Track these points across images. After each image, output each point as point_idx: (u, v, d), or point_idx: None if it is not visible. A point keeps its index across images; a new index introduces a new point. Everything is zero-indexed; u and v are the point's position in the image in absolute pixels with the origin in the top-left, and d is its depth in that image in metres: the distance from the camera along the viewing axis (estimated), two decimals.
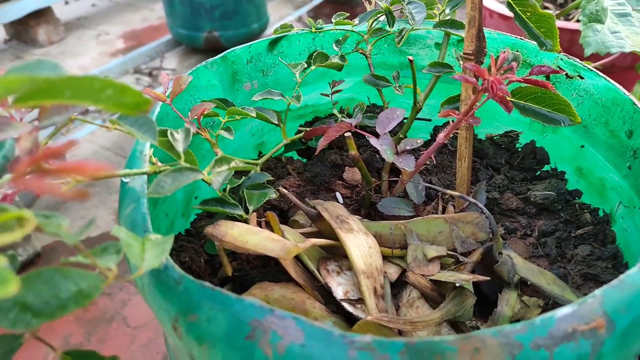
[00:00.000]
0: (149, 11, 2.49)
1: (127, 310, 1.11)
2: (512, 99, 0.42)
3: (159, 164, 0.38)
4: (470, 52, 0.43)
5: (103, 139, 1.60)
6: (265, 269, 0.46)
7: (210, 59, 0.52)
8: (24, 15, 2.01)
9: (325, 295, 0.40)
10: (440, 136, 0.42)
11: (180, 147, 0.35)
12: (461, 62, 0.47)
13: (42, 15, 2.12)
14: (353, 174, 0.55)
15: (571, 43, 0.92)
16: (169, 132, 0.36)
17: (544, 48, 0.44)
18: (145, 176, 0.37)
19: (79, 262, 0.26)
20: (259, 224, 0.40)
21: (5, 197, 0.29)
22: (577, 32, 0.75)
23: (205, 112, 0.43)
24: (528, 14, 0.43)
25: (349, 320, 0.41)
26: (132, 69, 1.68)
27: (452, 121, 0.42)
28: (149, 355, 1.09)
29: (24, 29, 2.16)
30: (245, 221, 0.40)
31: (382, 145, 0.44)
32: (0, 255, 0.17)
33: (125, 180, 0.37)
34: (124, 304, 1.11)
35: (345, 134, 0.46)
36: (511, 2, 0.43)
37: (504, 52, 0.40)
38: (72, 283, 0.24)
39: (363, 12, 0.55)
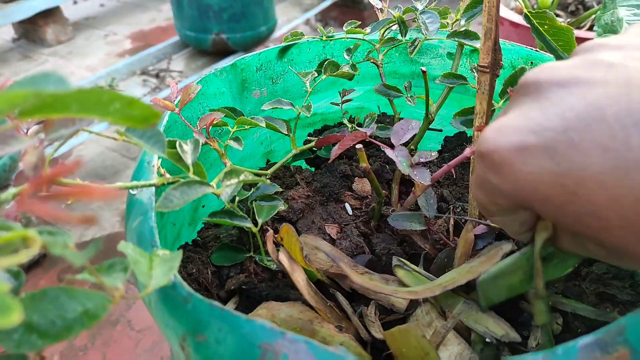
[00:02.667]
0: (157, 12, 2.49)
1: (131, 313, 1.11)
2: None
3: (167, 175, 0.38)
4: (485, 64, 0.42)
5: (109, 140, 1.60)
6: (273, 282, 0.45)
7: (219, 66, 0.52)
8: (32, 15, 2.01)
9: (336, 315, 0.39)
10: (467, 151, 0.41)
11: (189, 159, 0.34)
12: (475, 74, 0.46)
13: (50, 14, 2.12)
14: (363, 185, 0.54)
15: None
16: (177, 143, 0.36)
17: None
18: (153, 188, 0.36)
19: (85, 279, 0.26)
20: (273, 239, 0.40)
21: (9, 214, 0.29)
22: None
23: (214, 122, 0.42)
24: (545, 26, 0.42)
25: (359, 341, 0.40)
26: (140, 70, 1.68)
27: (470, 135, 0.41)
28: (153, 359, 1.08)
29: (32, 29, 2.17)
30: (255, 234, 0.39)
31: (398, 157, 0.43)
32: (2, 283, 0.17)
33: (132, 192, 0.36)
34: (128, 307, 1.10)
35: (357, 146, 0.45)
36: (529, 15, 0.42)
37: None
38: (78, 303, 0.23)
39: (371, 16, 0.55)
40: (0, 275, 0.24)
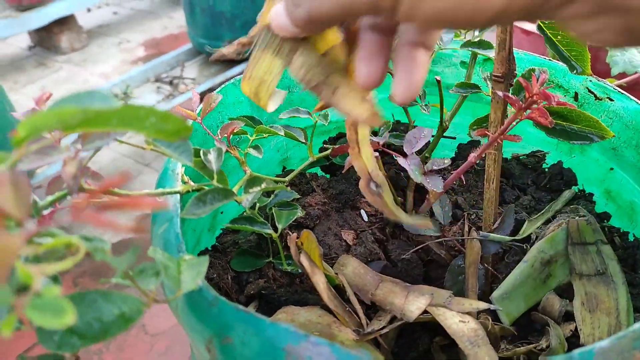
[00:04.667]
0: (169, 19, 2.53)
1: (146, 317, 1.12)
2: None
3: (191, 182, 0.39)
4: (500, 74, 0.43)
5: (123, 146, 1.62)
6: (292, 287, 0.46)
7: (231, 73, 0.53)
8: (48, 23, 2.05)
9: (354, 320, 0.40)
10: (472, 156, 0.42)
11: (213, 167, 0.35)
12: (489, 83, 0.47)
13: (65, 22, 2.16)
14: None
15: (595, 60, 0.91)
16: (201, 152, 0.37)
17: (574, 71, 0.43)
18: (178, 195, 0.37)
19: (118, 283, 0.27)
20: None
21: (45, 219, 0.30)
22: (600, 49, 0.75)
23: (235, 131, 0.43)
24: (559, 37, 0.43)
25: (376, 345, 0.41)
26: (153, 77, 1.70)
27: (482, 142, 0.41)
28: None
29: (47, 36, 2.21)
30: (275, 239, 0.40)
31: (410, 165, 0.44)
32: (54, 285, 0.18)
33: (158, 199, 0.37)
34: None
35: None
36: (542, 25, 0.42)
37: (543, 71, 0.40)
38: (115, 306, 0.24)
39: None
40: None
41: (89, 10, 2.65)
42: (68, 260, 0.20)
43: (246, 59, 0.32)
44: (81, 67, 2.15)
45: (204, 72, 1.68)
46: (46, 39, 2.22)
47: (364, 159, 0.33)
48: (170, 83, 1.67)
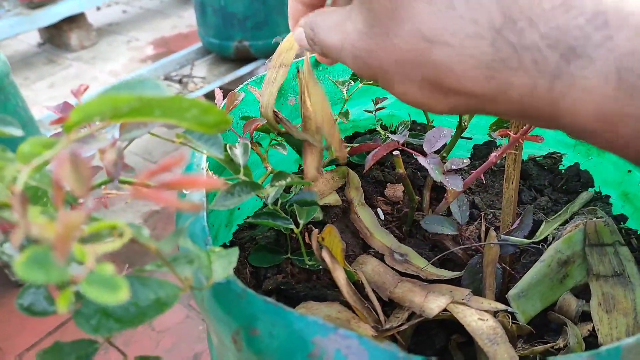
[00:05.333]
0: (178, 18, 2.54)
1: None
2: None
3: (215, 177, 0.39)
4: None
5: (131, 143, 1.63)
6: (310, 282, 0.46)
7: (241, 72, 0.53)
8: (58, 21, 2.06)
9: (373, 316, 0.40)
10: (493, 156, 0.42)
11: (240, 161, 0.36)
12: None
13: (75, 20, 2.17)
14: (395, 191, 0.55)
15: None
16: (228, 147, 0.37)
17: None
18: (204, 189, 0.38)
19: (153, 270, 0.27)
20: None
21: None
22: None
23: (258, 127, 0.44)
24: None
25: (394, 341, 0.41)
26: (163, 75, 1.71)
27: (500, 144, 0.42)
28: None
29: (57, 34, 2.22)
30: (297, 234, 0.41)
31: (430, 165, 0.45)
32: (107, 262, 0.18)
33: (185, 192, 0.38)
34: None
35: (394, 153, 0.46)
36: None
37: None
38: (151, 291, 0.25)
39: None
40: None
41: (98, 8, 2.66)
42: (117, 241, 0.20)
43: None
44: (90, 64, 2.16)
45: (213, 71, 1.69)
46: (56, 37, 2.24)
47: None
48: (180, 82, 1.68)
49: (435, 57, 0.22)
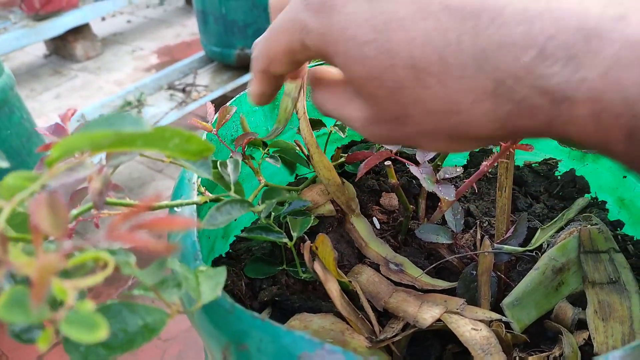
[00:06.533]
0: (182, 27, 2.56)
1: None
2: None
3: (207, 193, 0.40)
4: None
5: None
6: (305, 294, 0.47)
7: (243, 80, 0.54)
8: (63, 32, 2.09)
9: (367, 327, 0.41)
10: (484, 165, 0.42)
11: (230, 178, 0.36)
12: None
13: (80, 31, 2.20)
14: (390, 200, 0.55)
15: None
16: (219, 163, 0.38)
17: None
18: (195, 205, 0.38)
19: (140, 294, 0.28)
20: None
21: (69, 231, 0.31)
22: None
23: (250, 141, 0.44)
24: None
25: (389, 352, 0.41)
26: (166, 84, 1.73)
27: (495, 151, 0.42)
28: None
29: (63, 45, 2.25)
30: (291, 247, 0.41)
31: (422, 174, 0.45)
32: (87, 300, 0.19)
33: (176, 209, 0.38)
34: None
35: (385, 163, 0.47)
36: None
37: None
38: (139, 317, 0.25)
39: None
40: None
41: (103, 19, 2.69)
42: (99, 275, 0.21)
43: None
44: (96, 74, 2.18)
45: (216, 80, 1.70)
46: (61, 48, 2.27)
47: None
48: (183, 90, 1.69)
49: (452, 122, 0.24)
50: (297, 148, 0.52)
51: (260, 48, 0.30)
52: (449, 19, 0.22)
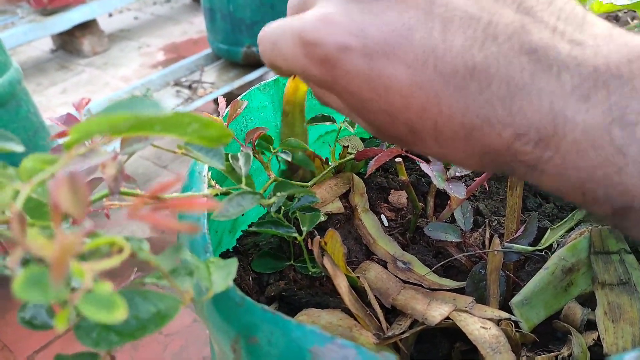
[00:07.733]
0: (189, 24, 2.56)
1: None
2: None
3: (217, 186, 0.40)
4: None
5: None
6: (312, 289, 0.46)
7: (249, 78, 0.54)
8: (70, 27, 2.09)
9: (375, 324, 0.40)
10: None
11: (241, 171, 0.36)
12: None
13: (87, 27, 2.21)
14: (398, 197, 0.55)
15: None
16: (230, 156, 0.38)
17: None
18: (205, 197, 0.38)
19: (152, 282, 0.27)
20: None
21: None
22: None
23: (260, 135, 0.44)
24: None
25: (396, 349, 0.41)
26: (173, 81, 1.73)
27: None
28: None
29: (69, 40, 2.26)
30: (300, 242, 0.41)
31: (433, 172, 0.45)
32: (104, 281, 0.19)
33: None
34: None
35: (396, 159, 0.46)
36: None
37: None
38: (151, 304, 0.25)
39: None
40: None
41: (110, 15, 2.70)
42: (115, 258, 0.21)
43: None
44: (102, 70, 2.19)
45: (222, 77, 1.71)
46: (69, 43, 2.27)
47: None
48: (190, 87, 1.69)
49: (447, 159, 0.27)
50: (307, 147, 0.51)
51: (263, 54, 0.31)
52: (441, 87, 0.24)
